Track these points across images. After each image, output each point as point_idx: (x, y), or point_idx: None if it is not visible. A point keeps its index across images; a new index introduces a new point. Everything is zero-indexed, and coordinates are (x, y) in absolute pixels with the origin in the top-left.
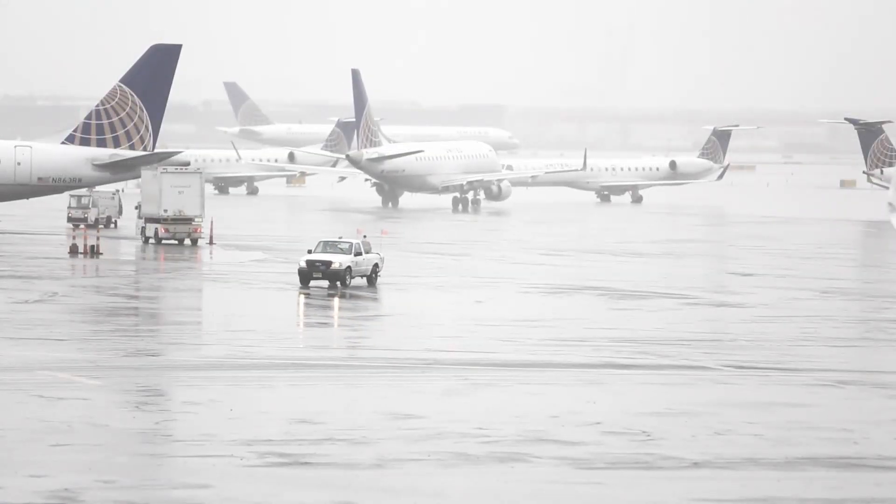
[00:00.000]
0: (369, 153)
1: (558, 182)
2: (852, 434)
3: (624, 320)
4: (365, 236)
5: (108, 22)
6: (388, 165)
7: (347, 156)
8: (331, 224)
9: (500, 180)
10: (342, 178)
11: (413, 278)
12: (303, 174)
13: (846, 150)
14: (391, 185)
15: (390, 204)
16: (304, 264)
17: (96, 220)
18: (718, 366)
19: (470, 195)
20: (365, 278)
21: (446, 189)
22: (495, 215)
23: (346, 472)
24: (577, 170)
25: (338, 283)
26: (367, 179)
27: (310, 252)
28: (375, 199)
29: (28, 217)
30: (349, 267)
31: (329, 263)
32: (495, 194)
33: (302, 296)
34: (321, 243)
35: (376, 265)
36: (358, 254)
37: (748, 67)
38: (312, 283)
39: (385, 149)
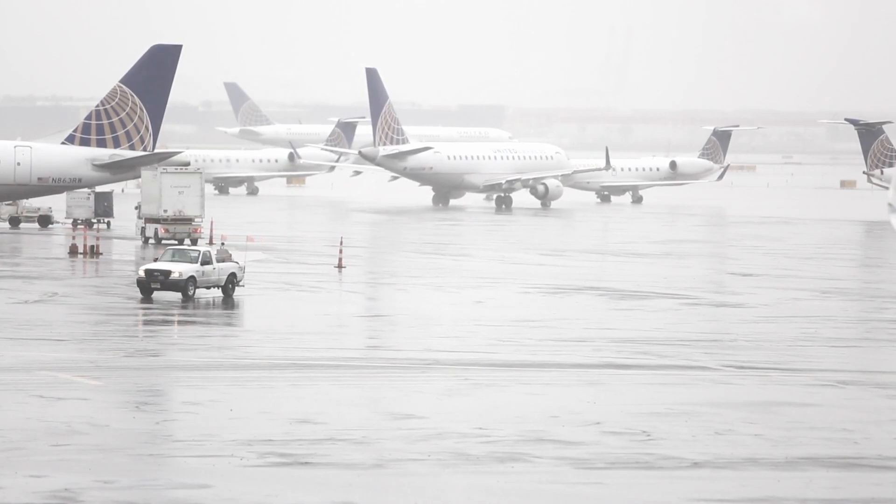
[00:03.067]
0: (386, 150)
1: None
2: (852, 434)
3: (624, 320)
4: (223, 244)
5: (108, 22)
6: (411, 162)
7: (360, 152)
8: (330, 224)
9: (538, 179)
10: (394, 178)
11: (413, 278)
12: (357, 173)
13: (846, 150)
14: (418, 182)
15: (440, 204)
16: (142, 274)
17: (12, 218)
18: (718, 366)
19: (513, 195)
20: (219, 289)
21: (490, 188)
22: (505, 216)
23: (346, 472)
24: (601, 169)
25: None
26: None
27: (156, 260)
28: (400, 198)
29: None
30: (192, 277)
31: (168, 273)
32: (541, 194)
33: (305, 294)
34: (168, 251)
35: (233, 275)
36: (206, 263)
37: (748, 68)
38: (156, 293)
39: (405, 146)
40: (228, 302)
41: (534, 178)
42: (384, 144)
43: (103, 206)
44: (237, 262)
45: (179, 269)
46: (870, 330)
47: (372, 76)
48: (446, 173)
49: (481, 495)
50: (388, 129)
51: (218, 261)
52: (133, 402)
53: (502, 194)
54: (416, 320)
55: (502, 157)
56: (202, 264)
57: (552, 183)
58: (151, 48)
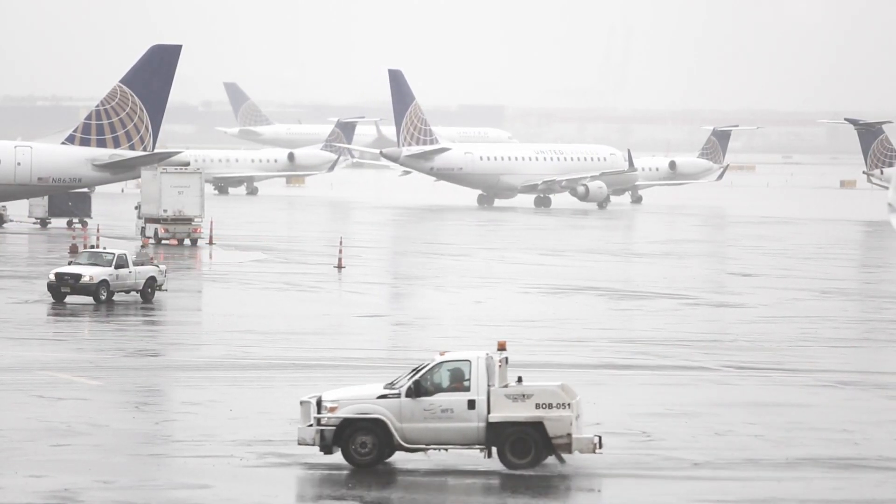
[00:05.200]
0: (409, 150)
1: None
2: (852, 434)
3: (624, 320)
4: (142, 246)
5: (108, 22)
6: (438, 162)
7: (381, 152)
8: (330, 224)
9: (575, 181)
10: (437, 180)
11: (413, 278)
12: (406, 172)
13: (846, 150)
14: (449, 182)
15: (486, 204)
16: (52, 277)
17: None
18: (718, 366)
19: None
20: (138, 293)
21: (528, 189)
22: (510, 215)
23: (347, 472)
24: (625, 171)
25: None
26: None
27: (70, 263)
28: (438, 199)
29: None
30: (104, 281)
31: (78, 277)
32: (581, 195)
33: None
34: (83, 253)
35: (153, 279)
36: (121, 266)
37: (747, 68)
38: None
39: (428, 147)
40: (149, 306)
41: (568, 180)
42: (409, 145)
43: (65, 206)
44: (157, 266)
45: (90, 273)
46: (870, 330)
47: (396, 77)
48: (479, 174)
49: (482, 495)
50: (415, 129)
51: (136, 264)
52: (133, 402)
53: (541, 195)
54: (415, 320)
55: (545, 158)
56: (116, 267)
57: (594, 184)
58: (151, 48)
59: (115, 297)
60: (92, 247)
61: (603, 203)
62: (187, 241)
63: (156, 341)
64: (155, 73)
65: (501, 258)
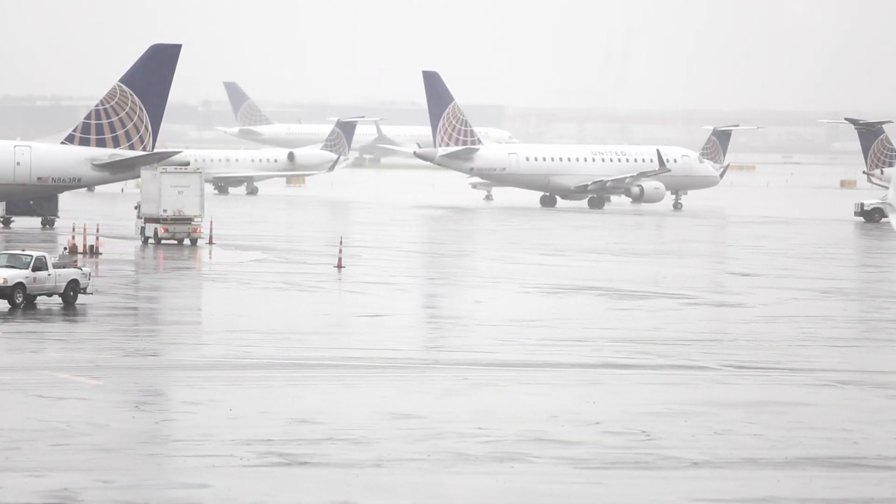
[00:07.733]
0: (444, 150)
1: None
2: (852, 434)
3: (624, 320)
4: (65, 249)
5: (108, 22)
6: (478, 162)
7: (415, 153)
8: (330, 224)
9: (621, 181)
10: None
11: (412, 278)
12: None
13: (846, 150)
14: (495, 183)
15: (548, 205)
16: None
17: None
18: (718, 366)
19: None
20: (59, 296)
21: (580, 190)
22: (510, 214)
23: (346, 472)
24: (658, 171)
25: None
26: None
27: None
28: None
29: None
30: (20, 283)
31: None
32: (636, 196)
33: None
34: (1, 255)
35: (75, 282)
36: (39, 268)
37: (748, 68)
38: None
39: (461, 147)
40: (70, 310)
41: (614, 181)
42: (446, 145)
43: (26, 205)
44: (81, 269)
45: (5, 276)
46: (869, 330)
47: (432, 78)
48: (525, 174)
49: (481, 495)
50: (453, 129)
51: (57, 266)
52: (132, 401)
53: (594, 196)
54: (416, 320)
55: (602, 160)
56: (34, 270)
57: (649, 185)
58: (151, 48)
59: (38, 301)
60: (92, 247)
61: (677, 204)
62: (187, 241)
63: (156, 341)
64: (155, 72)
65: (502, 258)
